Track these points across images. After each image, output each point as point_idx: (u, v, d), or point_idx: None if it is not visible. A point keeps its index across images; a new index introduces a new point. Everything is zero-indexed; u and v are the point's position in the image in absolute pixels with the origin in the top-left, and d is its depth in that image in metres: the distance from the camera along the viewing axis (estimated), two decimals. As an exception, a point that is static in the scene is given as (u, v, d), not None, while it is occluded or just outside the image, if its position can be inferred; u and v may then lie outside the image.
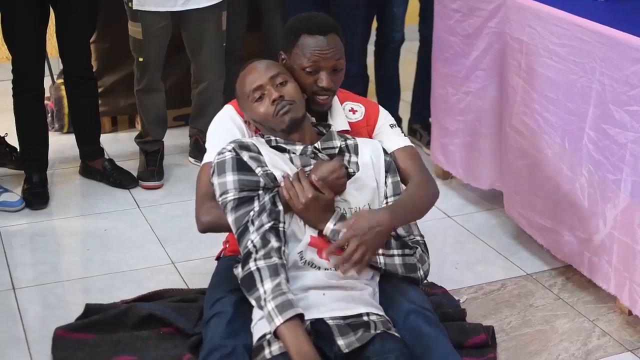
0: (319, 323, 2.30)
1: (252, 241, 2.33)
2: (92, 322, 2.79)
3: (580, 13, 3.05)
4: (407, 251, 2.51)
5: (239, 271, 2.35)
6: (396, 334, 2.34)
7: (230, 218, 2.41)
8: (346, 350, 2.26)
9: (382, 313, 2.40)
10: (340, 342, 2.26)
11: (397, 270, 2.49)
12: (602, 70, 2.89)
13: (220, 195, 2.43)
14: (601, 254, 3.00)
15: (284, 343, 2.21)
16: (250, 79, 2.53)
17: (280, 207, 2.40)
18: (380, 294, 2.50)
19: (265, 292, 2.26)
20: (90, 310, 2.88)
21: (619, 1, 3.30)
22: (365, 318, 2.34)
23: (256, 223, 2.35)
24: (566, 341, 2.89)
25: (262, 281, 2.27)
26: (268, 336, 2.28)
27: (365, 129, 2.72)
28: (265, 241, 2.32)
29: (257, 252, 2.31)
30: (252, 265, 2.30)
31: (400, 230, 2.55)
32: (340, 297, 2.37)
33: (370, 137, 2.71)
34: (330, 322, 2.30)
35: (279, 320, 2.21)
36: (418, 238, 2.59)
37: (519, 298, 3.14)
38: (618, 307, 3.03)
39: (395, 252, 2.48)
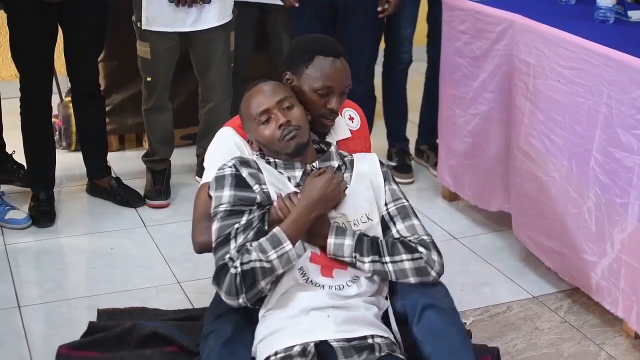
0: (322, 345, 2.28)
1: (230, 257, 2.32)
2: (96, 340, 2.78)
3: (587, 36, 3.05)
4: (416, 255, 2.42)
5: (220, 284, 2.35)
6: (401, 356, 2.32)
7: (215, 226, 2.41)
8: (350, 373, 2.24)
9: (387, 335, 2.38)
10: (345, 364, 2.24)
11: (407, 276, 2.42)
12: (610, 94, 2.89)
13: (214, 208, 2.44)
14: (608, 277, 2.99)
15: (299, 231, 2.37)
16: (256, 101, 2.52)
17: (266, 227, 2.40)
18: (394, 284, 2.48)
19: (261, 261, 2.30)
20: (94, 328, 2.87)
21: (626, 24, 3.31)
22: (370, 340, 2.32)
23: (240, 239, 2.35)
24: (572, 365, 2.88)
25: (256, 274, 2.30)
26: (272, 359, 2.27)
27: (363, 137, 2.79)
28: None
29: (234, 261, 2.31)
30: (233, 270, 2.30)
31: (404, 232, 2.48)
32: (344, 319, 2.35)
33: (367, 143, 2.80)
34: (334, 344, 2.28)
35: (288, 244, 2.33)
36: (424, 237, 2.48)
37: (524, 321, 3.13)
38: (624, 331, 3.02)
39: (404, 256, 2.42)
